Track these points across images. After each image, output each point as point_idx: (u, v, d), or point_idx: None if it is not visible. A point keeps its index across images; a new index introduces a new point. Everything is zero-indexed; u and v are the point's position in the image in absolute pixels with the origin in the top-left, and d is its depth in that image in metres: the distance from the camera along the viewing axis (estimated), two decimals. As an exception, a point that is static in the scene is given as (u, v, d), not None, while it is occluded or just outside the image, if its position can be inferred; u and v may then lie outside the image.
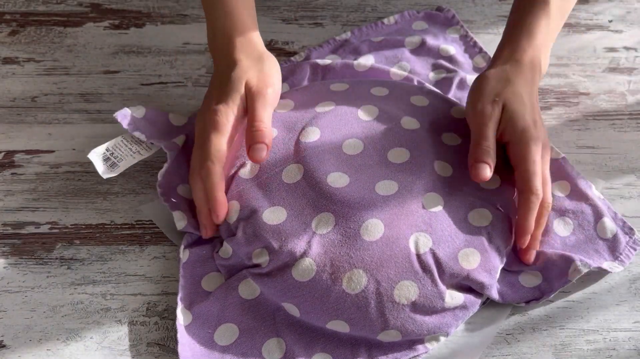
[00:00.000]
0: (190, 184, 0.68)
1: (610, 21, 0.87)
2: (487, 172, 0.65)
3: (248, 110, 0.68)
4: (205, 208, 0.66)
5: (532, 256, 0.66)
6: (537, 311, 0.64)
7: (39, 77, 0.80)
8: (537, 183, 0.65)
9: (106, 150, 0.70)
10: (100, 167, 0.69)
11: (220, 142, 0.66)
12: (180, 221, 0.67)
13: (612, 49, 0.84)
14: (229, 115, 0.67)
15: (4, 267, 0.67)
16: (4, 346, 0.62)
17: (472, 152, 0.66)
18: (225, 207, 0.66)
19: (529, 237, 0.65)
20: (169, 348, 0.62)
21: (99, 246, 0.68)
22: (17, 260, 0.67)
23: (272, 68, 0.70)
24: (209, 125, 0.67)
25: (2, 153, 0.74)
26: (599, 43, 0.84)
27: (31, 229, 0.69)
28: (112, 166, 0.69)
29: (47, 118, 0.77)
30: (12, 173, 0.73)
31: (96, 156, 0.69)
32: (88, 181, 0.72)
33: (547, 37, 0.71)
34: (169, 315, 0.64)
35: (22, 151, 0.74)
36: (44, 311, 0.64)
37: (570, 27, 0.86)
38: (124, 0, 0.88)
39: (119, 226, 0.69)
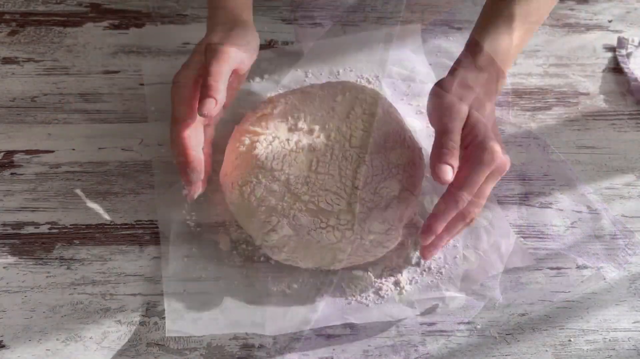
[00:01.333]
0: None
1: (610, 21, 0.87)
2: (449, 175, 0.60)
3: (203, 68, 0.67)
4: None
5: (431, 254, 0.63)
6: (537, 311, 0.64)
7: (39, 77, 0.80)
8: (464, 194, 0.61)
9: None
10: None
11: (186, 100, 0.67)
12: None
13: (612, 49, 0.84)
14: (188, 78, 0.68)
15: (4, 267, 0.67)
16: (3, 346, 0.62)
17: (435, 151, 0.62)
18: None
19: (433, 237, 0.62)
20: (168, 348, 0.62)
21: (98, 246, 0.68)
22: (17, 260, 0.67)
23: (247, 31, 0.70)
24: (174, 95, 0.67)
25: (2, 153, 0.74)
26: (599, 43, 0.84)
27: (31, 229, 0.69)
28: None
29: (47, 118, 0.77)
30: (11, 173, 0.73)
31: None
32: (88, 181, 0.72)
33: (510, 48, 0.65)
34: (169, 315, 0.64)
35: (22, 151, 0.74)
36: (44, 311, 0.64)
37: (570, 27, 0.86)
38: (124, 0, 0.88)
39: (118, 226, 0.69)
